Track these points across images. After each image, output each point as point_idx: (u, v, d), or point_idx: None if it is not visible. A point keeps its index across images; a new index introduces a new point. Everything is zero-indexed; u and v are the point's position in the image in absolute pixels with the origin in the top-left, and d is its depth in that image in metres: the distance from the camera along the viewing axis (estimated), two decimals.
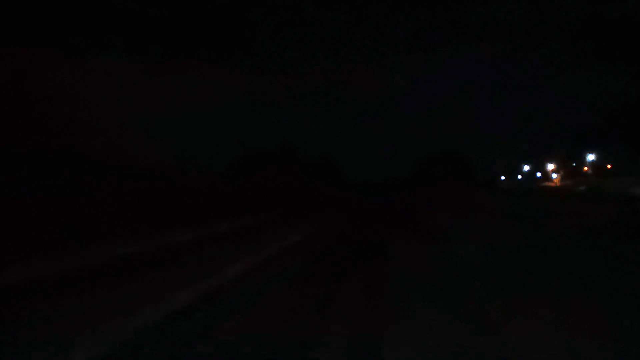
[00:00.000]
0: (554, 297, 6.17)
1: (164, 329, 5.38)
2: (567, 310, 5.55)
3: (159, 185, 13.86)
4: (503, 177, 74.17)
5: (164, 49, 14.98)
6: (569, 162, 67.68)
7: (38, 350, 4.59)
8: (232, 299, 6.68)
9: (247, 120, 18.07)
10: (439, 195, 31.73)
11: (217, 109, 16.44)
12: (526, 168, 79.42)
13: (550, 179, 71.44)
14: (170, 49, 15.16)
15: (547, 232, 13.55)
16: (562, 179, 67.66)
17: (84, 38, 12.78)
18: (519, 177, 79.84)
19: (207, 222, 14.48)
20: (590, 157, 62.54)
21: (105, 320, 5.39)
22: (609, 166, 57.80)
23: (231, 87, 17.10)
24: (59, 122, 11.84)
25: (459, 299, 6.20)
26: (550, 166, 73.18)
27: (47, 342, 4.75)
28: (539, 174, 76.71)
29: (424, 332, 4.92)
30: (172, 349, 4.80)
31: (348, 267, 8.78)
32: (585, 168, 62.78)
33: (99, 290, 6.89)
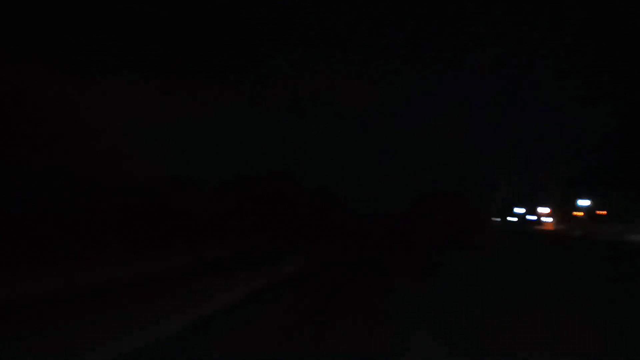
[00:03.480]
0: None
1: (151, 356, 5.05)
2: None
3: (150, 204, 13.54)
4: (499, 219, 73.86)
5: (157, 67, 14.82)
6: (564, 206, 67.96)
7: None
8: (222, 328, 6.36)
9: (239, 140, 17.75)
10: (436, 230, 31.37)
11: (211, 126, 16.20)
12: (521, 210, 79.51)
13: (544, 223, 71.48)
14: (162, 66, 15.02)
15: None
16: (557, 223, 67.72)
17: (75, 51, 12.62)
18: (515, 219, 79.76)
19: (198, 246, 14.07)
20: (585, 202, 62.90)
21: (90, 345, 5.04)
22: (604, 212, 58.01)
23: (225, 104, 16.93)
24: (48, 137, 11.60)
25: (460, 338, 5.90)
26: (545, 210, 73.39)
27: None
28: (534, 217, 76.80)
29: None
30: None
31: (347, 305, 8.46)
32: (581, 213, 62.97)
33: (82, 315, 6.53)
